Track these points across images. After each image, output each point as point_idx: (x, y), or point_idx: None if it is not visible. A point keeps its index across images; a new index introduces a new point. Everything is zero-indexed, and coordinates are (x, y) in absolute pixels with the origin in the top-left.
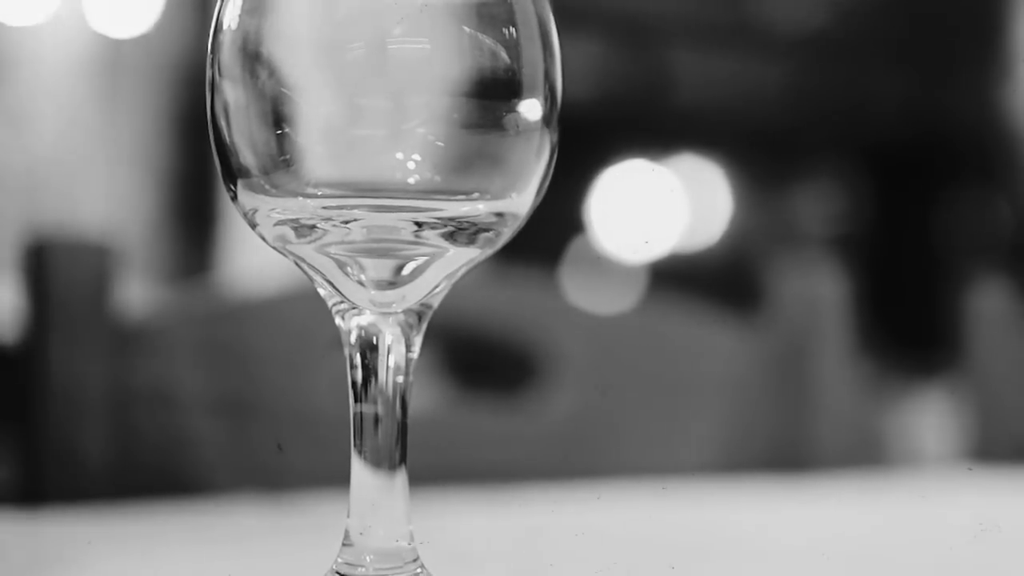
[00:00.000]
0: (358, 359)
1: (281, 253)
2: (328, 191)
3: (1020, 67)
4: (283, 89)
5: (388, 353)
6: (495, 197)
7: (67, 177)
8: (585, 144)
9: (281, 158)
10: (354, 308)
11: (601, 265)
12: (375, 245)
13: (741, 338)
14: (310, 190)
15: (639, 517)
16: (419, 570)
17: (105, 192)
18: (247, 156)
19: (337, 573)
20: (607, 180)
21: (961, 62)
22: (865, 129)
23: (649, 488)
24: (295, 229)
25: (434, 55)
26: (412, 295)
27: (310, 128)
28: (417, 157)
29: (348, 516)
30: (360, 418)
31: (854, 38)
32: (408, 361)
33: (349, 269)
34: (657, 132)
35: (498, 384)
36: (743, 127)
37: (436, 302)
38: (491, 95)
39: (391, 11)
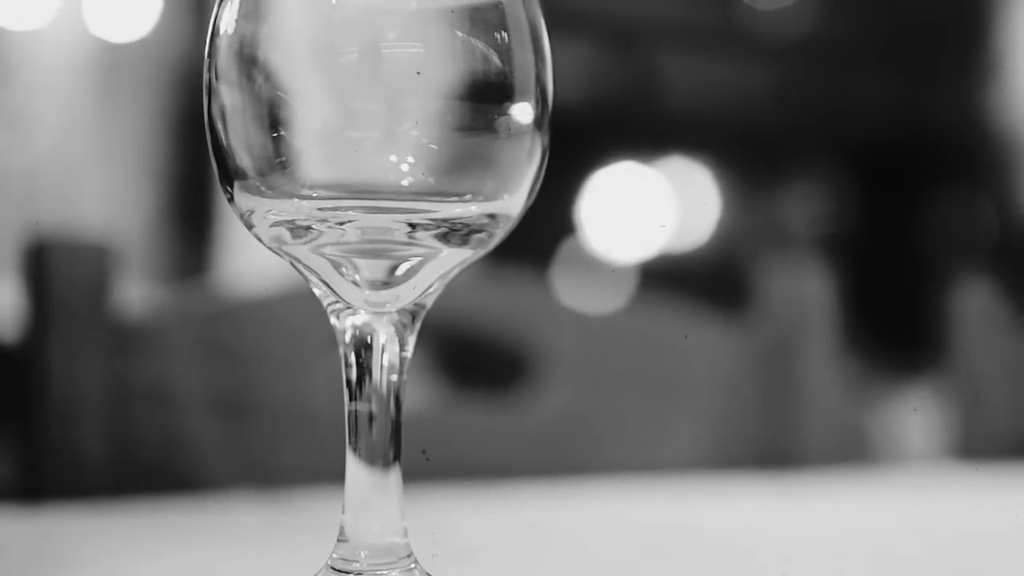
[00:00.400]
0: (353, 358)
1: (277, 254)
2: (323, 193)
3: (1003, 70)
4: (279, 93)
5: (382, 352)
6: (487, 199)
7: (66, 179)
8: (576, 146)
9: (277, 160)
10: (349, 308)
11: (591, 265)
12: (369, 246)
13: (729, 337)
14: (305, 192)
15: (628, 513)
16: (412, 565)
17: (104, 193)
18: (243, 158)
19: (332, 568)
20: (597, 182)
21: (945, 65)
22: (851, 131)
23: (639, 485)
24: (291, 230)
25: (427, 59)
26: (406, 295)
27: (305, 131)
28: (411, 159)
29: (343, 512)
30: (355, 416)
31: (840, 42)
32: (402, 360)
33: (344, 269)
34: (646, 135)
35: (490, 382)
36: (731, 129)
37: (429, 302)
38: (483, 98)
39: (385, 16)
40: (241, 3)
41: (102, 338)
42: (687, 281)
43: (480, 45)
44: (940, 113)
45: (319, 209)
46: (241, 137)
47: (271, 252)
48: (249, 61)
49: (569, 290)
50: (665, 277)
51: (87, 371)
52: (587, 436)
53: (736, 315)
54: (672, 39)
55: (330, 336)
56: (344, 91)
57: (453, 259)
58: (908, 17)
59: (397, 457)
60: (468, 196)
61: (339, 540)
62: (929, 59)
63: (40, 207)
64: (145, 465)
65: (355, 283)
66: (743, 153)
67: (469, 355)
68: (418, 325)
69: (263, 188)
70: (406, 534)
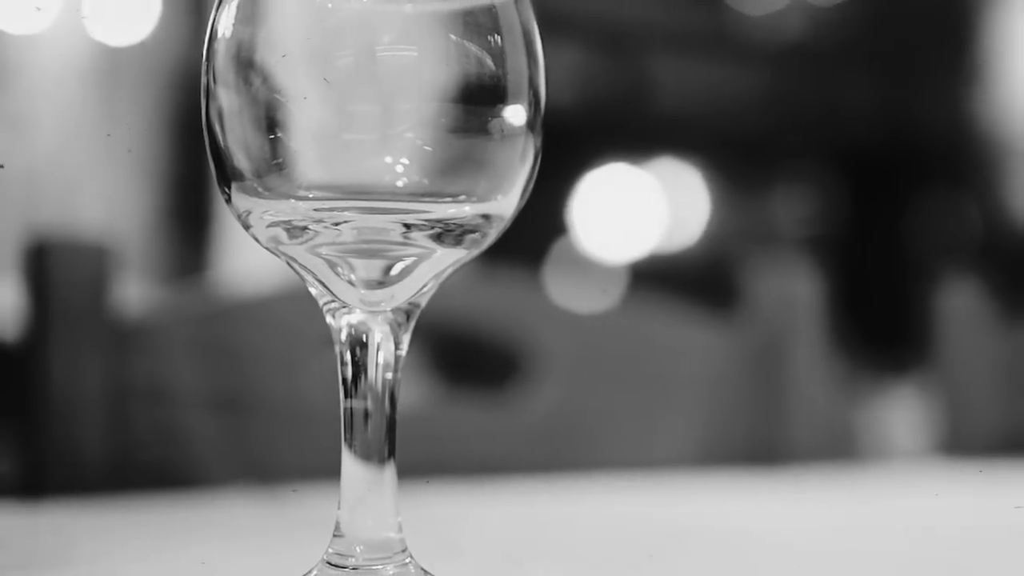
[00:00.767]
0: (348, 356)
1: (274, 254)
2: (319, 194)
3: (987, 74)
4: (276, 95)
5: (377, 350)
6: (481, 200)
7: (66, 180)
8: (568, 148)
9: (274, 162)
10: (344, 307)
11: (583, 265)
12: (365, 246)
13: (718, 336)
14: (302, 193)
15: (620, 509)
16: (407, 560)
17: (103, 194)
18: (241, 160)
19: (328, 563)
20: (589, 183)
21: (931, 69)
22: (838, 134)
23: (629, 480)
24: (287, 230)
25: (422, 62)
26: (401, 294)
27: (302, 133)
28: (405, 161)
29: (339, 508)
30: (350, 413)
31: (828, 46)
32: (397, 358)
33: (339, 269)
34: (637, 137)
35: (484, 380)
36: (721, 132)
37: (424, 301)
38: (477, 101)
39: (380, 20)
40: (239, 7)
41: (101, 337)
42: (677, 281)
43: (474, 48)
44: (926, 116)
45: (315, 210)
46: (239, 139)
47: (268, 252)
48: (246, 64)
49: (561, 289)
50: (656, 277)
51: (86, 369)
52: (579, 433)
53: (725, 314)
54: (663, 43)
55: (326, 335)
56: (340, 94)
57: (447, 259)
58: (894, 23)
59: (392, 454)
60: (462, 197)
61: (335, 535)
62: (915, 64)
63: (40, 207)
64: (144, 462)
65: (351, 282)
66: (732, 155)
67: (463, 353)
68: (412, 324)
69: (260, 189)
70: (401, 529)
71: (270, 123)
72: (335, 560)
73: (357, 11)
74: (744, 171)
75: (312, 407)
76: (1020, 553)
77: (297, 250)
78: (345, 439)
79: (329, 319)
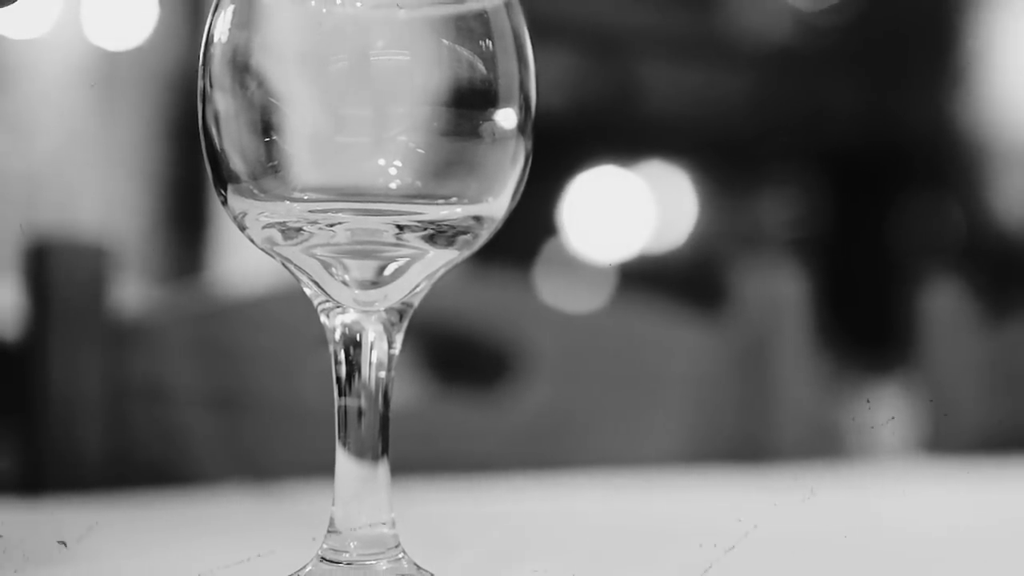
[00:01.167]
0: (342, 355)
1: (269, 255)
2: (314, 196)
3: (969, 77)
4: (271, 99)
5: (371, 349)
6: (472, 201)
7: (66, 182)
8: (558, 151)
9: (269, 164)
10: (339, 307)
11: (573, 266)
12: (358, 247)
13: (706, 335)
14: (297, 195)
15: (609, 505)
16: (400, 555)
17: (102, 196)
18: (237, 162)
19: (323, 559)
20: (579, 185)
21: (914, 73)
22: (823, 137)
23: (618, 477)
24: (282, 232)
25: (414, 67)
26: (394, 294)
27: (296, 136)
28: (398, 163)
29: (333, 504)
30: (344, 411)
31: (813, 51)
32: (390, 357)
33: (334, 270)
34: (626, 139)
35: (475, 379)
36: (708, 135)
37: (417, 301)
38: (469, 105)
39: (373, 25)
40: (235, 13)
41: (100, 336)
42: (665, 281)
43: (465, 53)
44: (909, 119)
45: (310, 211)
46: (235, 142)
47: (263, 253)
48: (242, 69)
49: (551, 290)
50: (644, 277)
51: (85, 368)
52: (569, 431)
53: (713, 314)
54: (651, 48)
55: (321, 334)
56: (334, 98)
57: (439, 260)
58: (879, 27)
59: (385, 451)
60: (454, 199)
61: (329, 531)
62: (899, 67)
63: (40, 209)
64: (141, 459)
65: (345, 283)
66: (720, 158)
67: (455, 352)
68: (405, 323)
69: (256, 191)
70: (394, 525)
71: (265, 126)
72: (329, 555)
73: (351, 16)
74: (731, 173)
75: (307, 405)
76: (1002, 549)
77: (292, 251)
78: (339, 437)
79: (323, 319)
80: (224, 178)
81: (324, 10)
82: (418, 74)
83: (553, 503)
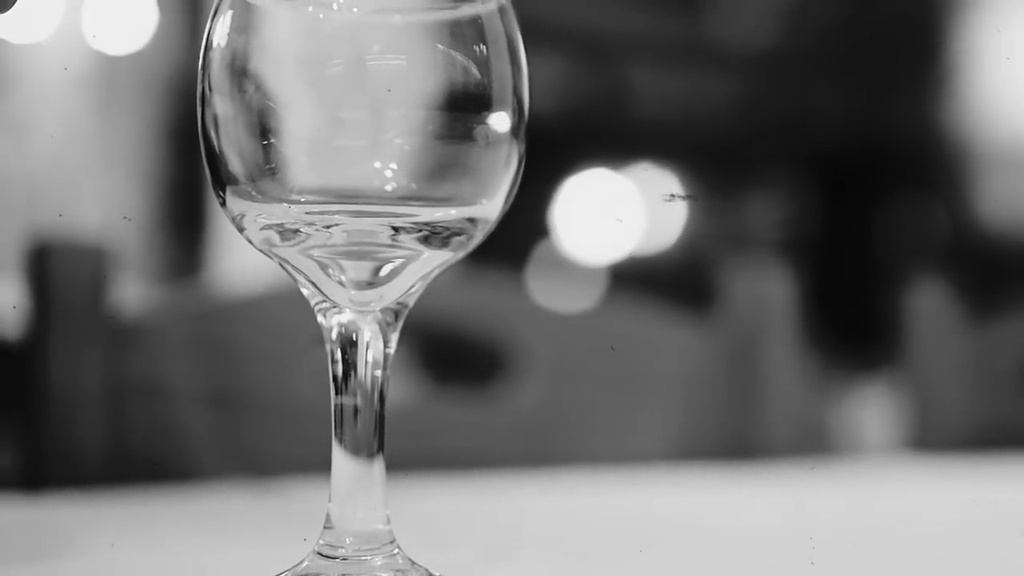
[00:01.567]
0: (339, 354)
1: (267, 255)
2: (311, 198)
3: (955, 81)
4: (269, 102)
5: (367, 349)
6: (467, 203)
7: (66, 184)
8: (550, 154)
9: (267, 167)
10: (335, 307)
11: (564, 267)
12: (355, 248)
13: (695, 335)
14: (294, 197)
15: (600, 502)
16: (395, 551)
17: (102, 198)
18: (235, 165)
19: (319, 554)
20: (570, 187)
21: (901, 77)
22: (811, 140)
23: (609, 475)
24: (280, 233)
25: (410, 71)
26: (389, 295)
27: (294, 139)
28: (394, 166)
29: (329, 501)
30: (340, 409)
31: (801, 54)
32: (385, 356)
33: (330, 270)
34: (617, 143)
35: (469, 378)
36: (697, 138)
37: (412, 301)
38: (463, 108)
39: (370, 30)
40: (233, 18)
41: (100, 335)
42: (655, 282)
43: (460, 58)
44: (896, 122)
45: (307, 213)
46: (233, 144)
47: (261, 254)
48: (241, 73)
49: (543, 290)
50: (634, 278)
51: (85, 366)
52: (561, 429)
53: (702, 314)
54: (641, 52)
55: (317, 333)
56: (331, 101)
57: (434, 260)
58: (865, 31)
59: (381, 448)
60: (448, 201)
61: (325, 527)
62: (885, 71)
63: (41, 210)
64: (140, 456)
65: (341, 283)
66: (708, 160)
67: (449, 352)
68: (401, 323)
69: (254, 193)
70: (389, 521)
71: (263, 129)
72: (325, 551)
73: (348, 21)
74: (719, 176)
75: (304, 403)
76: (984, 544)
77: (289, 252)
78: (336, 434)
79: (320, 318)
80: (223, 180)
81: (321, 15)
82: (413, 78)
83: (545, 500)
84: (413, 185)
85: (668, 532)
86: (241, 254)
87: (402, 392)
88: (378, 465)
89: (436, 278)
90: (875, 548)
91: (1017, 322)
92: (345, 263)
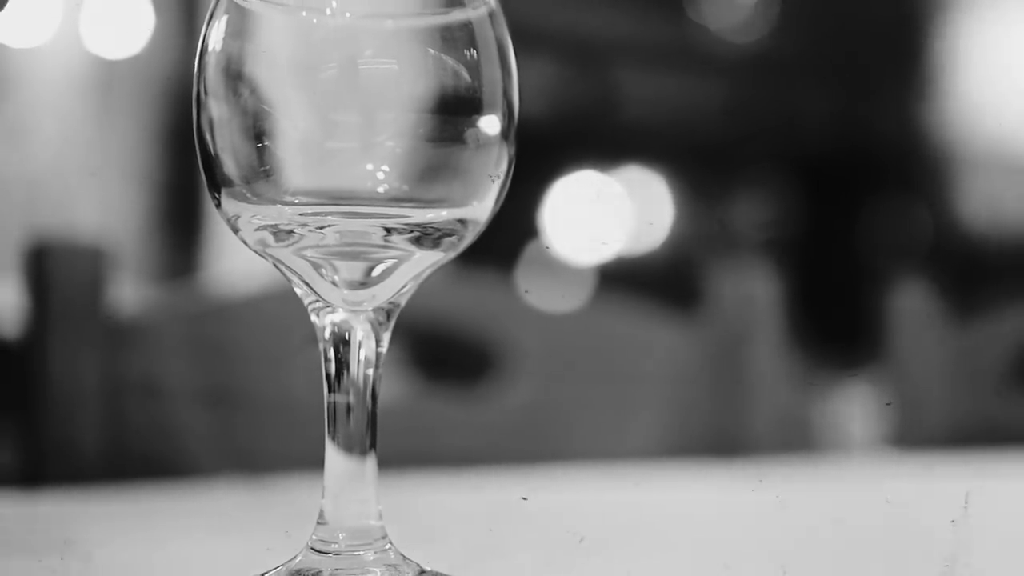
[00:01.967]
0: (332, 353)
1: (261, 256)
2: (304, 199)
3: (937, 85)
4: (263, 106)
5: (359, 348)
6: (457, 205)
7: (65, 186)
8: (539, 156)
9: (261, 169)
10: (328, 306)
11: (553, 267)
12: (347, 249)
13: (682, 334)
14: (288, 198)
15: (589, 498)
16: (387, 546)
17: (100, 200)
18: (230, 167)
19: (313, 549)
20: (559, 189)
21: (884, 81)
22: (796, 142)
23: (598, 471)
24: (274, 234)
25: (402, 75)
26: (381, 294)
27: (288, 141)
28: (386, 168)
29: (323, 497)
30: (333, 407)
31: (786, 58)
32: (378, 355)
33: (323, 271)
34: (605, 145)
35: (460, 376)
36: (684, 141)
37: (403, 301)
38: (454, 111)
39: (362, 34)
40: (228, 23)
41: (98, 334)
42: (643, 282)
43: (451, 62)
44: (879, 125)
45: (300, 214)
46: (228, 147)
47: (256, 254)
48: (235, 76)
49: (533, 290)
50: (622, 278)
51: (84, 365)
52: (550, 426)
53: (689, 314)
54: (629, 56)
55: (311, 333)
56: (324, 104)
57: (426, 261)
58: (850, 35)
59: (373, 446)
60: (440, 202)
61: (319, 523)
62: (869, 75)
63: (40, 212)
64: (137, 453)
65: (334, 283)
66: (695, 163)
67: (440, 350)
68: (393, 322)
69: (248, 195)
70: (381, 517)
71: (258, 132)
72: (319, 546)
73: (340, 26)
74: (706, 178)
75: (297, 401)
76: (966, 539)
77: (283, 252)
78: (329, 432)
79: (313, 318)
80: (218, 182)
81: (315, 20)
82: (405, 82)
83: (535, 496)
84: (405, 187)
85: (656, 527)
86: (236, 255)
87: (394, 390)
88: (370, 462)
89: (427, 278)
90: (858, 543)
91: (997, 321)
92: (338, 263)
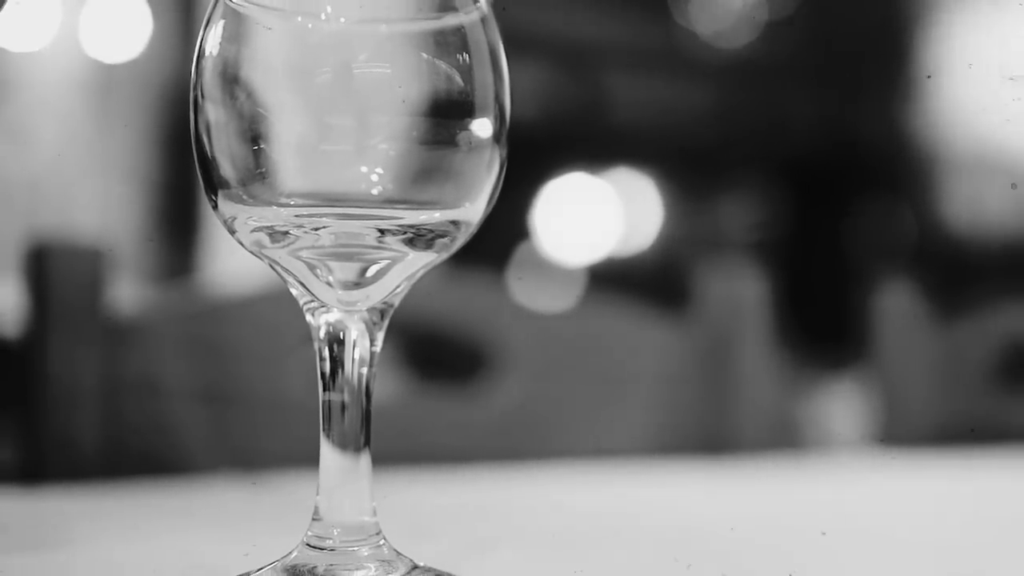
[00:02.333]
0: (326, 352)
1: (257, 256)
2: (299, 201)
3: (922, 89)
4: (259, 109)
5: (353, 347)
6: (450, 207)
7: (64, 187)
8: (531, 159)
9: (257, 171)
10: (323, 306)
11: (544, 268)
12: (342, 250)
13: (671, 334)
14: (283, 200)
15: (579, 495)
16: (381, 542)
17: (99, 201)
18: (227, 169)
19: (308, 545)
20: (550, 191)
21: (869, 85)
22: (783, 145)
23: (588, 469)
24: (270, 235)
25: (395, 79)
26: (375, 294)
27: (283, 144)
28: (380, 170)
29: (317, 494)
30: (328, 405)
31: (773, 63)
32: (372, 354)
33: (318, 271)
34: (595, 148)
35: (452, 375)
36: (673, 143)
37: (397, 301)
38: (447, 115)
39: (356, 39)
40: (225, 28)
41: (97, 334)
42: (632, 282)
43: (444, 66)
44: (865, 128)
45: (296, 216)
46: (224, 150)
47: (252, 255)
48: (232, 80)
49: (524, 290)
50: (612, 278)
51: (83, 364)
52: (541, 424)
53: (677, 314)
54: (619, 61)
55: (306, 332)
56: (318, 108)
57: (419, 262)
58: (836, 40)
59: (367, 443)
60: (432, 204)
61: (314, 519)
62: (855, 79)
63: (40, 213)
64: (135, 450)
65: (329, 284)
66: (684, 165)
67: (433, 350)
68: (386, 322)
69: (245, 196)
70: (375, 513)
71: (254, 135)
72: (314, 542)
73: (335, 31)
74: (694, 180)
75: (293, 400)
76: (950, 536)
77: (279, 253)
78: (324, 429)
79: (309, 318)
80: (215, 184)
81: (310, 25)
82: (398, 86)
83: (525, 493)
84: (398, 189)
85: (644, 524)
86: (232, 256)
87: (387, 389)
88: (364, 459)
89: (420, 279)
90: (843, 540)
91: (981, 320)
92: (333, 264)
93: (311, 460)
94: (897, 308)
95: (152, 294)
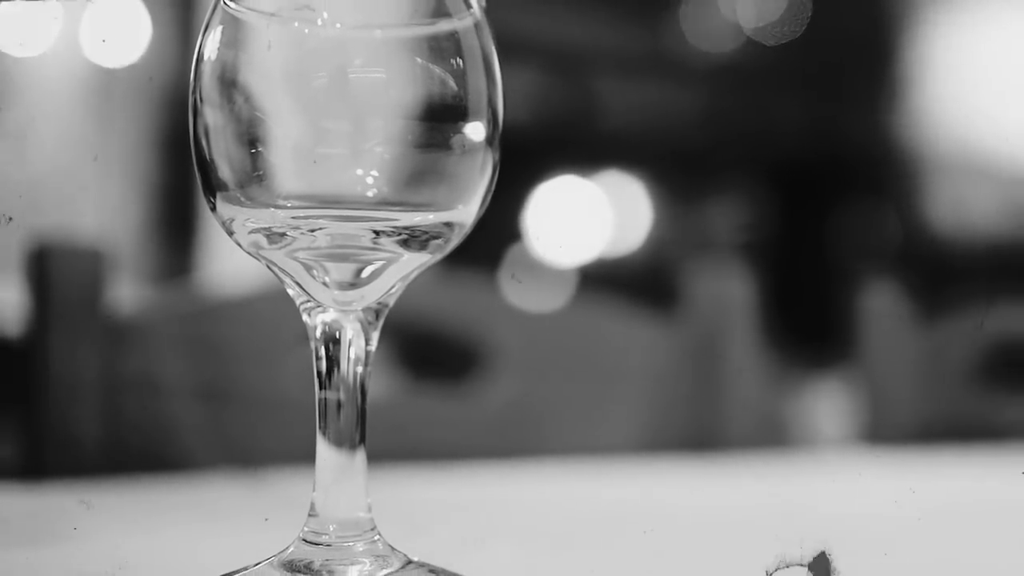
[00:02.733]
0: (323, 351)
1: (255, 257)
2: (296, 203)
3: (906, 93)
4: (256, 113)
5: (349, 346)
6: (444, 208)
7: (65, 190)
8: (523, 162)
9: (255, 173)
10: (319, 306)
11: (536, 268)
12: (338, 251)
13: (660, 333)
14: (280, 202)
15: (570, 491)
16: (376, 538)
17: (99, 203)
18: (225, 171)
19: (304, 541)
20: (541, 193)
21: (855, 89)
22: (770, 148)
23: (578, 465)
24: (267, 236)
25: (390, 83)
26: (370, 295)
27: (280, 147)
28: (375, 173)
29: (314, 490)
30: (324, 404)
31: (760, 67)
32: (367, 353)
33: (315, 272)
34: (586, 151)
35: (445, 374)
36: (662, 147)
37: (392, 301)
38: (440, 118)
39: (352, 44)
40: (223, 32)
41: (97, 333)
42: (622, 283)
43: (438, 71)
44: (850, 132)
45: (293, 218)
46: (223, 153)
47: (249, 256)
48: (230, 85)
49: (515, 291)
50: (602, 279)
51: (83, 362)
52: (533, 422)
53: (666, 313)
54: (609, 65)
55: (302, 331)
56: (315, 112)
57: (413, 262)
58: (822, 45)
59: (362, 441)
60: (427, 206)
61: (310, 515)
62: (840, 83)
63: (41, 215)
64: (135, 447)
65: (325, 284)
66: (673, 168)
67: (427, 349)
68: (381, 322)
69: (242, 198)
70: (370, 510)
71: (251, 138)
72: (310, 538)
73: (331, 36)
74: (683, 182)
75: (289, 398)
76: (934, 532)
77: (276, 254)
78: (320, 427)
79: (305, 317)
80: (213, 186)
81: (306, 31)
82: (393, 90)
83: (518, 489)
84: (393, 191)
85: (635, 520)
86: (230, 256)
87: (382, 387)
88: (360, 456)
89: (415, 279)
90: (828, 536)
91: (964, 320)
92: (329, 265)
93: (307, 457)
94: (882, 308)
95: (151, 294)
